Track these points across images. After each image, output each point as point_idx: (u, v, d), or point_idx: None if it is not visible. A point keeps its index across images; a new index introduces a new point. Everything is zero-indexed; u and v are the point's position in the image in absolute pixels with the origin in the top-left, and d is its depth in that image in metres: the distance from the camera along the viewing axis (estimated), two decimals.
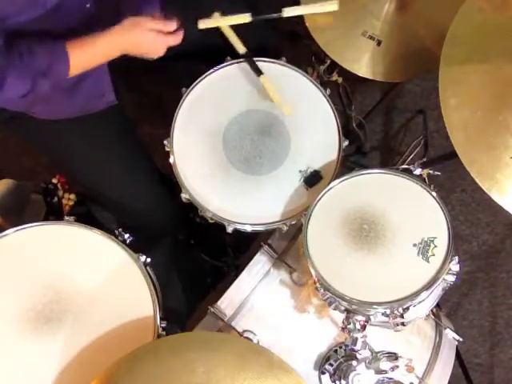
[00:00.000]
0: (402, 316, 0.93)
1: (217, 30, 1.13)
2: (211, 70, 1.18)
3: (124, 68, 1.26)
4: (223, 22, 1.11)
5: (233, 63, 1.18)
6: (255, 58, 1.17)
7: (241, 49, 1.14)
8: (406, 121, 1.82)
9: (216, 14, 1.12)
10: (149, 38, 1.00)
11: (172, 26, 1.02)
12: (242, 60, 1.18)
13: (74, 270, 1.00)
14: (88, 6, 1.03)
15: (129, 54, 1.02)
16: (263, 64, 1.18)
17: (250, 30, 1.14)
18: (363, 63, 1.21)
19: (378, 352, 1.00)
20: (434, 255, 0.94)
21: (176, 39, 1.03)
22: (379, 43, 1.20)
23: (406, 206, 1.00)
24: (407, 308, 0.93)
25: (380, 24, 1.21)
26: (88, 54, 0.99)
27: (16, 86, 0.92)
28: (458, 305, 1.67)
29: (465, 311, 1.67)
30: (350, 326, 0.94)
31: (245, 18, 1.10)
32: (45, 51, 0.95)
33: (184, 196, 1.12)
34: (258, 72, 1.14)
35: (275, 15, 1.10)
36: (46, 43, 0.96)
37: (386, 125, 1.84)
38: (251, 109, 1.16)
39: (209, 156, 1.13)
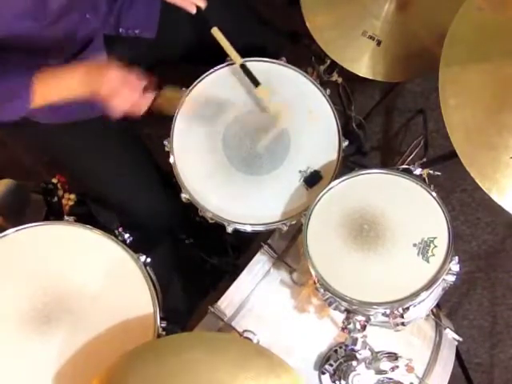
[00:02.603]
0: (402, 316, 0.93)
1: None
2: (211, 70, 1.18)
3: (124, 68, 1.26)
4: (223, 41, 1.14)
5: (233, 63, 1.18)
6: (254, 58, 1.17)
7: (238, 61, 1.14)
8: (406, 121, 1.82)
9: (215, 29, 1.14)
10: (112, 77, 0.96)
11: (140, 84, 0.98)
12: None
13: (74, 270, 1.00)
14: (88, 16, 1.03)
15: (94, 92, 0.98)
16: (263, 64, 1.18)
17: (250, 30, 1.14)
18: (363, 63, 1.21)
19: (378, 352, 1.00)
20: (434, 255, 0.94)
21: (141, 101, 0.99)
22: (379, 43, 1.20)
23: (406, 206, 1.00)
24: (407, 308, 0.93)
25: (380, 24, 1.21)
26: (54, 93, 0.96)
27: None
28: (458, 305, 1.67)
29: (465, 311, 1.67)
30: (350, 326, 0.94)
31: (237, 59, 1.14)
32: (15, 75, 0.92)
33: (184, 196, 1.12)
34: (256, 83, 1.14)
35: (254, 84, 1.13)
36: (18, 68, 0.93)
37: (386, 125, 1.84)
38: (251, 109, 1.16)
39: (209, 156, 1.13)
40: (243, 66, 1.14)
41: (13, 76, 0.93)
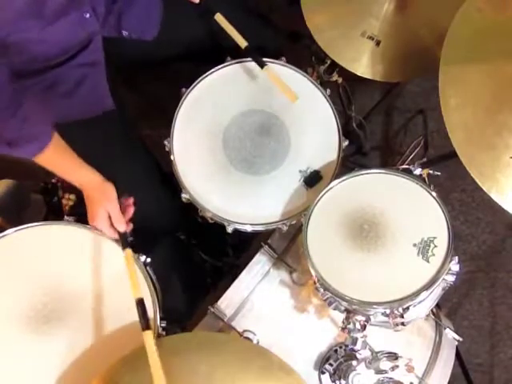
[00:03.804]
0: (402, 316, 0.93)
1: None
2: (211, 70, 1.18)
3: (124, 68, 1.27)
4: (227, 26, 1.13)
5: (233, 63, 1.18)
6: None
7: (242, 43, 1.14)
8: (405, 121, 1.82)
9: (219, 15, 1.13)
10: (100, 212, 1.02)
11: (122, 227, 1.03)
12: (241, 60, 1.18)
13: (74, 270, 1.00)
14: (87, 17, 1.03)
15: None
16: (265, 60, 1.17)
17: (250, 31, 1.14)
18: (363, 63, 1.21)
19: (378, 352, 1.00)
20: (433, 255, 0.94)
21: (110, 234, 1.04)
22: (378, 43, 1.20)
23: (406, 205, 1.00)
24: (407, 308, 0.93)
25: (379, 24, 1.21)
26: (59, 162, 1.01)
27: None
28: (458, 305, 1.67)
29: (465, 311, 1.67)
30: (350, 326, 0.94)
31: (242, 43, 1.12)
32: (33, 124, 0.95)
33: (184, 196, 1.12)
34: (262, 64, 1.14)
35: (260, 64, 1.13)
36: (40, 117, 0.96)
37: (386, 125, 1.84)
38: (251, 109, 1.16)
39: (209, 156, 1.13)
40: (248, 49, 1.14)
41: (35, 120, 0.96)
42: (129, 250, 0.99)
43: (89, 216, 1.04)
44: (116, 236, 1.03)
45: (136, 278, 0.96)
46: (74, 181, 1.05)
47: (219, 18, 1.14)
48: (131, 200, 1.08)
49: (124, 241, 1.02)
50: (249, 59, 1.17)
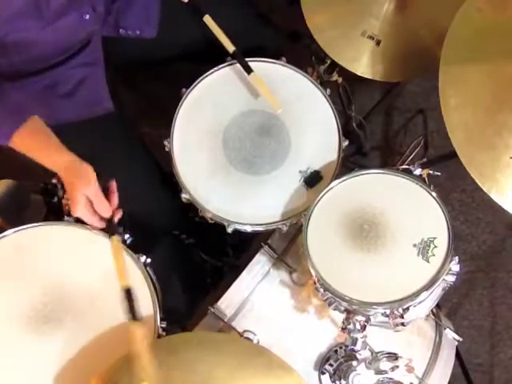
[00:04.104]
0: (402, 316, 0.93)
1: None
2: (211, 70, 1.18)
3: (124, 68, 1.27)
4: (216, 29, 1.14)
5: (233, 63, 1.18)
6: (254, 58, 1.17)
7: (230, 48, 1.14)
8: (405, 121, 1.82)
9: (207, 17, 1.13)
10: (78, 196, 0.95)
11: (106, 212, 0.98)
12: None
13: (74, 270, 1.00)
14: (87, 17, 1.03)
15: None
16: (263, 64, 1.18)
17: (250, 30, 1.14)
18: (363, 63, 1.21)
19: (378, 352, 1.00)
20: (434, 255, 0.94)
21: (94, 223, 0.98)
22: (378, 43, 1.20)
23: (406, 206, 1.00)
24: (407, 308, 0.93)
25: (379, 24, 1.21)
26: (36, 144, 0.97)
27: None
28: (458, 305, 1.67)
29: (465, 311, 1.67)
30: (350, 327, 0.94)
31: (230, 47, 1.13)
32: (12, 104, 0.94)
33: (184, 196, 1.11)
34: (248, 70, 1.14)
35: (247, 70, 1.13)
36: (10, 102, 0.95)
37: (386, 125, 1.84)
38: (251, 109, 1.16)
39: (209, 156, 1.13)
40: (235, 53, 1.14)
41: (9, 106, 0.94)
42: (115, 237, 0.94)
43: (70, 204, 0.97)
44: (99, 225, 0.97)
45: (123, 268, 0.92)
46: (49, 164, 0.97)
47: (208, 20, 1.14)
48: (114, 184, 1.00)
49: (110, 227, 0.96)
50: (248, 59, 1.17)
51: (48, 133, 0.97)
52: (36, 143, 0.96)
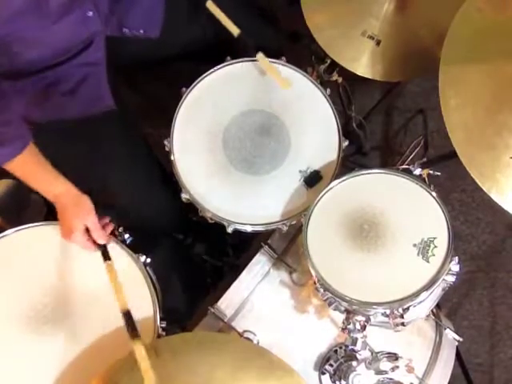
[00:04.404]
0: (402, 316, 0.93)
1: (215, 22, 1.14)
2: (211, 70, 1.18)
3: (124, 68, 1.26)
4: (219, 13, 1.14)
5: (232, 63, 1.18)
6: (254, 58, 1.17)
7: (235, 31, 1.14)
8: (405, 121, 1.82)
9: (210, 2, 1.14)
10: (77, 225, 1.00)
11: (102, 239, 1.02)
12: (241, 60, 1.18)
13: (74, 271, 1.00)
14: (90, 16, 1.03)
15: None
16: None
17: (250, 30, 1.14)
18: (363, 63, 1.21)
19: (378, 352, 1.00)
20: (433, 255, 0.94)
21: (89, 248, 1.02)
22: (378, 43, 1.20)
23: (406, 206, 1.00)
24: (407, 308, 0.93)
25: (379, 24, 1.21)
26: (31, 171, 0.99)
27: None
28: (458, 305, 1.67)
29: (465, 311, 1.67)
30: (350, 327, 0.94)
31: (234, 30, 1.13)
32: (14, 129, 0.94)
33: (184, 196, 1.11)
34: (254, 51, 1.14)
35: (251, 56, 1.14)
36: (22, 122, 0.96)
37: (386, 125, 1.84)
38: (251, 109, 1.16)
39: (209, 156, 1.13)
40: (240, 36, 1.14)
41: (15, 125, 0.95)
42: (110, 263, 0.99)
43: (62, 231, 1.02)
44: (93, 250, 1.02)
45: (120, 291, 0.95)
46: (48, 192, 1.02)
47: (210, 5, 1.14)
48: (107, 219, 1.07)
49: (105, 254, 1.00)
50: (248, 59, 1.17)
51: (45, 161, 1.00)
52: (34, 170, 1.00)
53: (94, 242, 1.02)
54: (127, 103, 1.26)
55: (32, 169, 0.99)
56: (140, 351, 0.86)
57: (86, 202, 1.02)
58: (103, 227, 1.04)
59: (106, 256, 1.00)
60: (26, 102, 1.07)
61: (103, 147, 1.17)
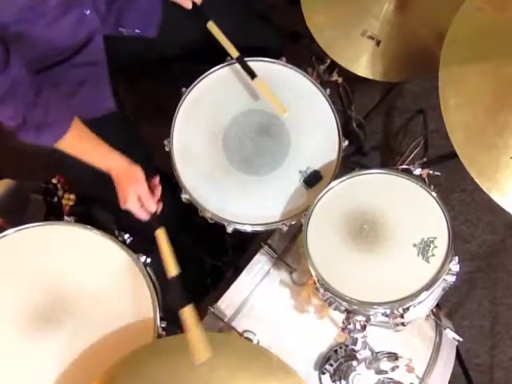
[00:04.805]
0: (402, 316, 0.93)
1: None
2: (211, 70, 1.18)
3: (124, 68, 1.26)
4: (219, 35, 1.15)
5: (233, 63, 1.18)
6: (254, 58, 1.17)
7: (234, 54, 1.14)
8: (405, 121, 1.82)
9: (211, 23, 1.14)
10: (130, 194, 1.04)
11: (153, 207, 1.06)
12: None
13: (74, 270, 1.00)
14: (88, 13, 1.03)
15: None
16: (263, 64, 1.18)
17: (250, 30, 1.14)
18: (363, 63, 1.21)
19: (378, 352, 1.00)
20: (434, 255, 0.94)
21: (142, 215, 1.06)
22: (378, 43, 1.20)
23: (406, 206, 1.00)
24: (407, 308, 0.93)
25: (379, 24, 1.21)
26: (83, 147, 1.02)
27: (6, 112, 0.93)
28: (458, 305, 1.67)
29: (465, 311, 1.67)
30: (350, 327, 0.94)
31: (234, 52, 1.14)
32: (56, 110, 0.96)
33: (184, 196, 1.12)
34: (252, 75, 1.14)
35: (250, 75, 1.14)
36: (62, 102, 0.98)
37: (386, 125, 1.84)
38: (251, 109, 1.16)
39: (209, 156, 1.13)
40: (239, 59, 1.14)
41: (56, 105, 0.97)
42: (161, 230, 1.02)
43: (120, 199, 1.05)
44: (146, 217, 1.05)
45: (170, 257, 0.98)
46: (102, 165, 1.04)
47: (211, 26, 1.14)
48: (157, 180, 1.08)
49: (156, 221, 1.04)
50: (248, 59, 1.17)
51: (94, 136, 1.03)
52: (85, 145, 1.02)
53: (147, 210, 1.05)
54: (125, 104, 1.26)
55: (82, 145, 1.02)
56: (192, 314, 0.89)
57: (138, 171, 1.05)
58: (152, 191, 1.07)
59: (156, 224, 1.03)
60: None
61: None
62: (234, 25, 1.16)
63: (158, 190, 1.08)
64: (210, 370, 0.85)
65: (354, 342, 0.93)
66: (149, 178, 1.07)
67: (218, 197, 1.11)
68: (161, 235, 1.01)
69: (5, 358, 0.94)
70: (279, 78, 1.17)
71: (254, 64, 1.16)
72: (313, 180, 1.12)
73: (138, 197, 1.04)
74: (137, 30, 1.16)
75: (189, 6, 1.15)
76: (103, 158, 1.04)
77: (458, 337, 1.14)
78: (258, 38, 1.23)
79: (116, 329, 0.96)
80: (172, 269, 0.97)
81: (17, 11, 0.90)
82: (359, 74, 1.21)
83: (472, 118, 0.96)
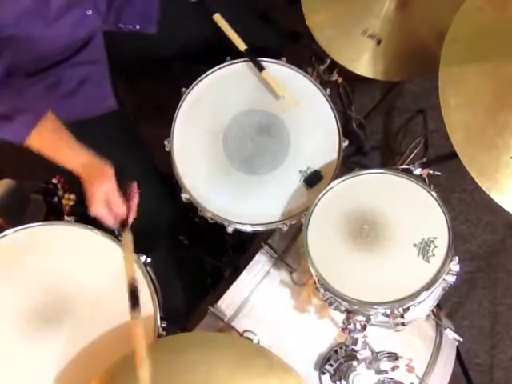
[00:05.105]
0: (402, 316, 0.93)
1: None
2: (211, 70, 1.18)
3: (124, 68, 1.26)
4: (226, 27, 1.15)
5: (232, 63, 1.18)
6: (255, 58, 1.17)
7: (242, 46, 1.14)
8: (405, 121, 1.82)
9: (218, 15, 1.14)
10: (98, 193, 0.98)
11: (120, 208, 1.00)
12: (241, 60, 1.18)
13: (74, 270, 1.00)
14: (89, 13, 1.03)
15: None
16: (263, 64, 1.18)
17: (250, 30, 1.14)
18: (363, 62, 1.21)
19: (379, 352, 1.00)
20: (434, 255, 0.94)
21: (110, 222, 1.01)
22: (379, 42, 1.20)
23: (406, 205, 1.00)
24: (407, 308, 0.93)
25: (380, 23, 1.21)
26: (56, 143, 0.98)
27: None
28: (458, 305, 1.67)
29: (465, 311, 1.67)
30: (351, 327, 0.94)
31: (241, 45, 1.14)
32: (30, 97, 0.94)
33: (184, 196, 1.11)
34: (260, 68, 1.14)
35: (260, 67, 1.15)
36: (37, 93, 0.95)
37: (386, 125, 1.84)
38: (251, 109, 1.16)
39: (209, 156, 1.13)
40: (247, 51, 1.15)
41: (28, 97, 0.94)
42: (128, 234, 0.97)
43: (88, 202, 1.00)
44: (115, 224, 1.00)
45: (131, 263, 0.94)
46: (73, 163, 1.00)
47: (218, 18, 1.14)
48: (135, 185, 1.04)
49: (123, 224, 0.99)
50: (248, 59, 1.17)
51: (65, 131, 0.98)
52: (54, 141, 0.97)
53: (116, 216, 1.00)
54: (125, 103, 1.26)
55: (53, 141, 0.97)
56: (138, 330, 0.86)
57: (107, 168, 1.00)
58: (130, 197, 1.02)
59: (123, 226, 0.99)
60: None
61: (101, 147, 1.16)
62: (235, 24, 1.16)
63: (135, 196, 1.03)
64: (210, 370, 0.85)
65: (354, 342, 0.93)
66: (127, 182, 1.03)
67: (218, 197, 1.11)
68: (125, 238, 0.98)
69: (5, 358, 0.94)
70: (279, 78, 1.17)
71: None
72: (313, 180, 1.12)
73: (107, 199, 0.99)
74: (137, 26, 1.16)
75: None
76: (75, 155, 0.99)
77: (458, 337, 1.14)
78: (259, 38, 1.23)
79: (116, 329, 0.96)
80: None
81: (18, 13, 0.90)
82: (359, 74, 1.21)
83: (472, 118, 0.96)
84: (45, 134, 0.95)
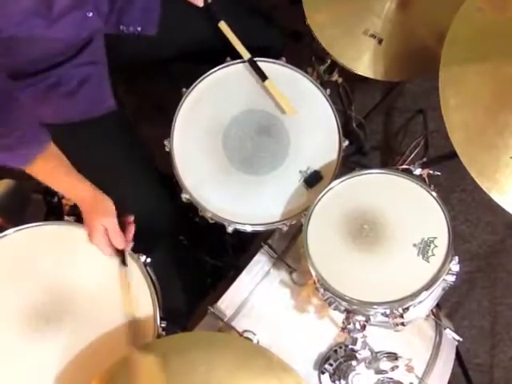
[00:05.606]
0: (401, 316, 0.93)
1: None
2: (211, 71, 1.18)
3: (124, 68, 1.26)
4: (230, 35, 1.16)
5: (233, 63, 1.18)
6: (255, 58, 1.17)
7: (246, 55, 1.15)
8: (406, 121, 1.82)
9: (222, 23, 1.15)
10: (97, 226, 1.00)
11: (120, 244, 1.02)
12: (241, 61, 1.18)
13: (74, 270, 1.00)
14: (90, 15, 1.03)
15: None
16: (263, 64, 1.18)
17: (251, 30, 1.14)
18: (364, 62, 1.21)
19: (378, 352, 1.00)
20: (434, 255, 0.94)
21: (107, 252, 1.02)
22: (380, 42, 1.20)
23: (406, 205, 1.00)
24: (407, 308, 0.93)
25: (381, 22, 1.21)
26: (58, 175, 0.99)
27: None
28: (458, 305, 1.67)
29: (465, 311, 1.67)
30: (350, 326, 0.94)
31: (245, 54, 1.15)
32: (31, 128, 0.94)
33: (184, 196, 1.12)
34: (263, 77, 1.15)
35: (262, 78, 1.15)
36: (34, 124, 0.95)
37: (386, 125, 1.84)
38: (251, 109, 1.16)
39: (209, 156, 1.13)
40: (251, 61, 1.15)
41: (28, 128, 0.94)
42: (125, 270, 1.00)
43: (87, 232, 1.03)
44: (113, 255, 1.02)
45: (130, 296, 0.97)
46: (71, 195, 1.03)
47: (223, 26, 1.15)
48: (132, 218, 1.06)
49: (123, 259, 1.01)
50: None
51: (67, 162, 1.00)
52: (57, 172, 0.99)
53: (113, 247, 1.02)
54: (125, 104, 1.26)
55: (54, 172, 0.99)
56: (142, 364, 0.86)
57: (108, 204, 1.03)
58: (126, 229, 1.04)
59: (122, 261, 1.01)
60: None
61: (101, 148, 1.17)
62: (235, 24, 1.16)
63: (131, 229, 1.05)
64: (210, 370, 0.85)
65: (354, 341, 0.93)
66: (124, 215, 1.05)
67: (218, 196, 1.11)
68: (122, 274, 0.99)
69: (5, 358, 0.94)
70: (279, 78, 1.17)
71: None
72: (313, 180, 1.12)
73: (105, 230, 1.01)
74: (138, 28, 1.16)
75: (200, 3, 1.15)
76: (75, 187, 1.02)
77: (457, 337, 1.14)
78: (262, 38, 1.23)
79: (116, 329, 0.96)
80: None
81: (21, 13, 0.90)
82: (361, 73, 1.21)
83: (472, 118, 0.96)
84: (46, 162, 0.96)
